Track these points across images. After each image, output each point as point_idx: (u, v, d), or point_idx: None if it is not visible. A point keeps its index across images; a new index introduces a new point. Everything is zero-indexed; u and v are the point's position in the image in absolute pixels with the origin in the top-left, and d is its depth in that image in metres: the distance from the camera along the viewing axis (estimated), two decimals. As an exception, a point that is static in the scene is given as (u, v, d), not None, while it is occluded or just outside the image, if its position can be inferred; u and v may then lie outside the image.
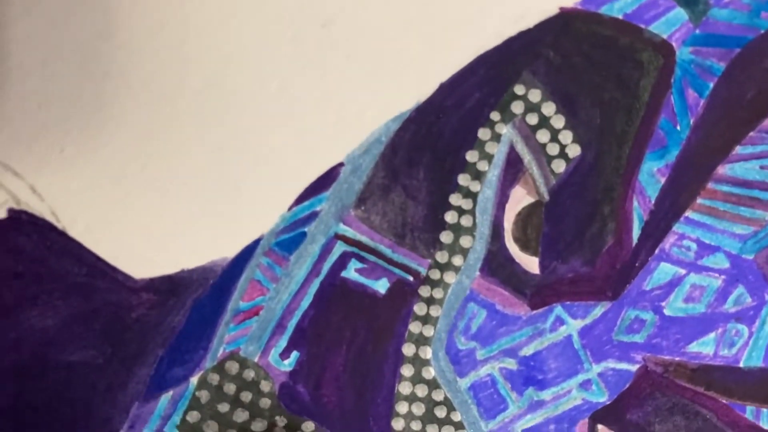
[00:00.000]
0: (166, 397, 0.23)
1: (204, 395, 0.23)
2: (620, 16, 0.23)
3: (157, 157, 0.24)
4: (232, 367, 0.24)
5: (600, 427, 0.24)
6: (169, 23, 0.24)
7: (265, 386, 0.24)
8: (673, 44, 0.23)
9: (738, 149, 0.24)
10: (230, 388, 0.24)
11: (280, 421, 0.24)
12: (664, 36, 0.23)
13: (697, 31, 0.23)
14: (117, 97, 0.23)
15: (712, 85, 0.23)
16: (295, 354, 0.24)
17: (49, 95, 0.23)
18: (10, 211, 0.23)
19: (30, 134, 0.23)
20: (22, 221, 0.23)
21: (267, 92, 0.24)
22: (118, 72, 0.23)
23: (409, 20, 0.23)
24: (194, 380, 0.23)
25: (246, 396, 0.23)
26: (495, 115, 0.23)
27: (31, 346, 0.23)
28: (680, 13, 0.23)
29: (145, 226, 0.24)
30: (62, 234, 0.23)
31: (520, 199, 0.24)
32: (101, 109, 0.23)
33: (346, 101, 0.24)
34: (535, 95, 0.23)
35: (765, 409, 0.24)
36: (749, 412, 0.24)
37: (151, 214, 0.24)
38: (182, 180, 0.24)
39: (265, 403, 0.24)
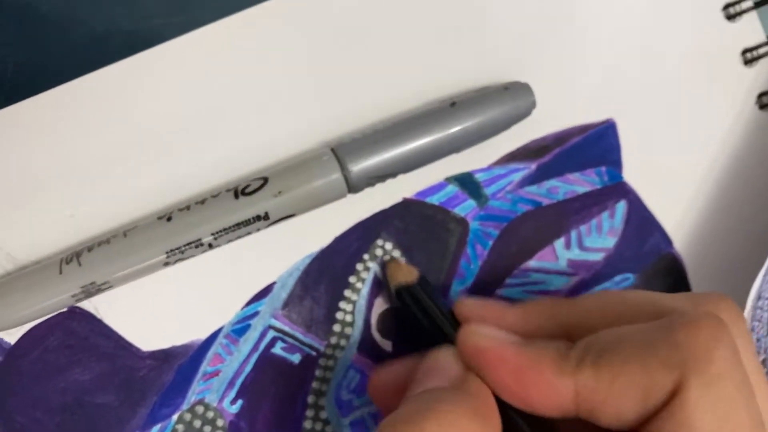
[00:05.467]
0: (156, 428, 0.28)
1: (180, 428, 0.28)
2: (437, 203, 0.30)
3: (167, 287, 0.29)
4: (200, 409, 0.29)
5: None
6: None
7: (219, 422, 0.28)
8: (468, 219, 0.30)
9: (508, 280, 0.31)
10: (197, 422, 0.28)
11: (228, 445, 0.28)
12: (462, 215, 0.30)
13: (482, 212, 0.30)
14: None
15: (491, 242, 0.30)
16: (240, 401, 0.29)
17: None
18: (69, 307, 0.28)
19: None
20: (76, 313, 0.28)
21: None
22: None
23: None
24: (175, 417, 0.28)
25: (207, 429, 0.28)
26: (366, 256, 0.30)
27: (73, 392, 0.28)
28: (471, 202, 0.30)
29: (151, 319, 0.29)
30: (99, 321, 0.28)
31: (381, 305, 0.30)
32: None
33: (280, 250, 0.30)
34: (389, 245, 0.30)
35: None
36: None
37: (155, 311, 0.29)
38: (179, 292, 0.29)
39: (219, 433, 0.29)
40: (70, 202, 0.29)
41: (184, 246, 0.28)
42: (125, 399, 0.29)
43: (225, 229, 0.28)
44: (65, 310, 0.29)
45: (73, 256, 0.28)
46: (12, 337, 0.28)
